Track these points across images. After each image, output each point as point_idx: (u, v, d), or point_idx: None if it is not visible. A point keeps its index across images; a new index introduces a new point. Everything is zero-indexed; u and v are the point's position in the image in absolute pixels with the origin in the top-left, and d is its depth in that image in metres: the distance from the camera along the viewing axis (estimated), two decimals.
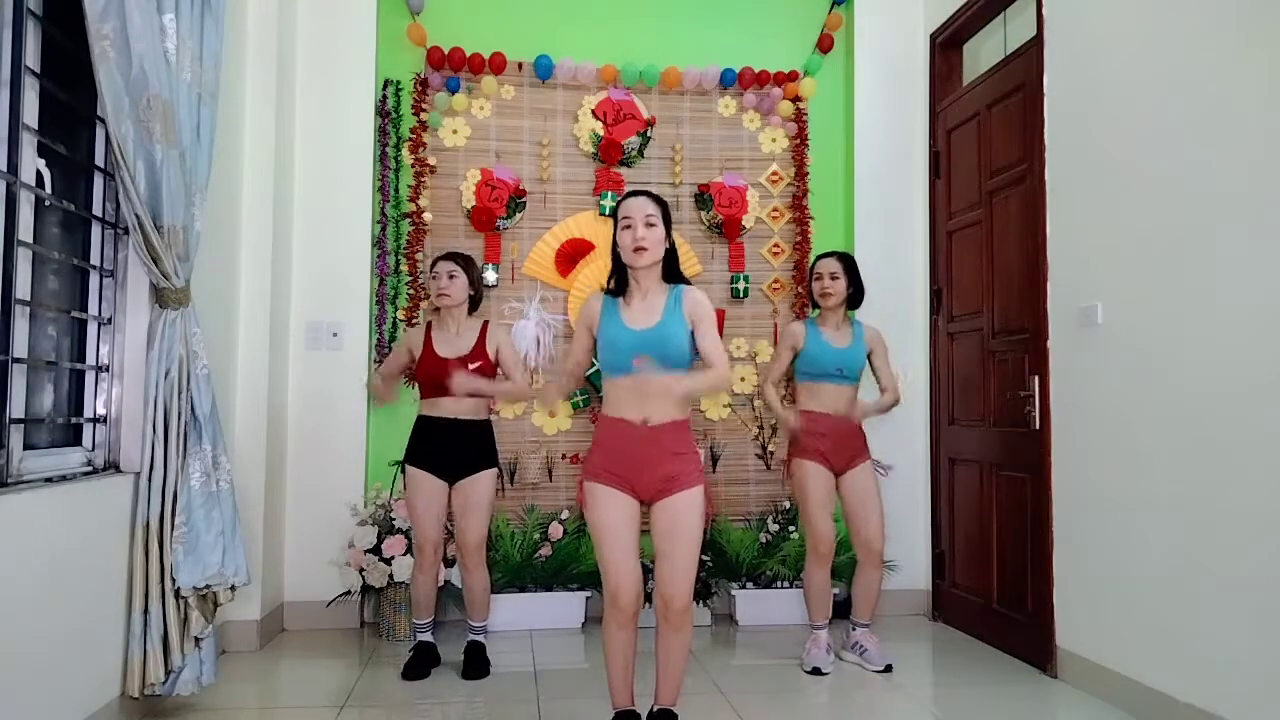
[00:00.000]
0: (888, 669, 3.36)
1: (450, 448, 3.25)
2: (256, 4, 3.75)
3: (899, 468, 4.12)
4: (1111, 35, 3.08)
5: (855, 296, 3.47)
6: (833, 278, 3.42)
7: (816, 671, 3.35)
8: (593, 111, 4.32)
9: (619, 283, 2.51)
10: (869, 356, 3.48)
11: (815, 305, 3.52)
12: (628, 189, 4.22)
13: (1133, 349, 2.93)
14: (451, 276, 3.28)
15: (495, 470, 3.35)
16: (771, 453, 4.35)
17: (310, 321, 4.06)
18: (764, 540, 4.13)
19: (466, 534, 3.28)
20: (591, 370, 4.09)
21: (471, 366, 3.23)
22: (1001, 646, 3.66)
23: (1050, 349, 3.36)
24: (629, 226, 2.42)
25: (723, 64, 4.38)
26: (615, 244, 2.50)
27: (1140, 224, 2.91)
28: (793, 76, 4.45)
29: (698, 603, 3.98)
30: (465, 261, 3.36)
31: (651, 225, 2.42)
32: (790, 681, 3.29)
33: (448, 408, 3.26)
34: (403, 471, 3.35)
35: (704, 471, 2.48)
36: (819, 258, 3.53)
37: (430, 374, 3.25)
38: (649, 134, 4.35)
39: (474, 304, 3.38)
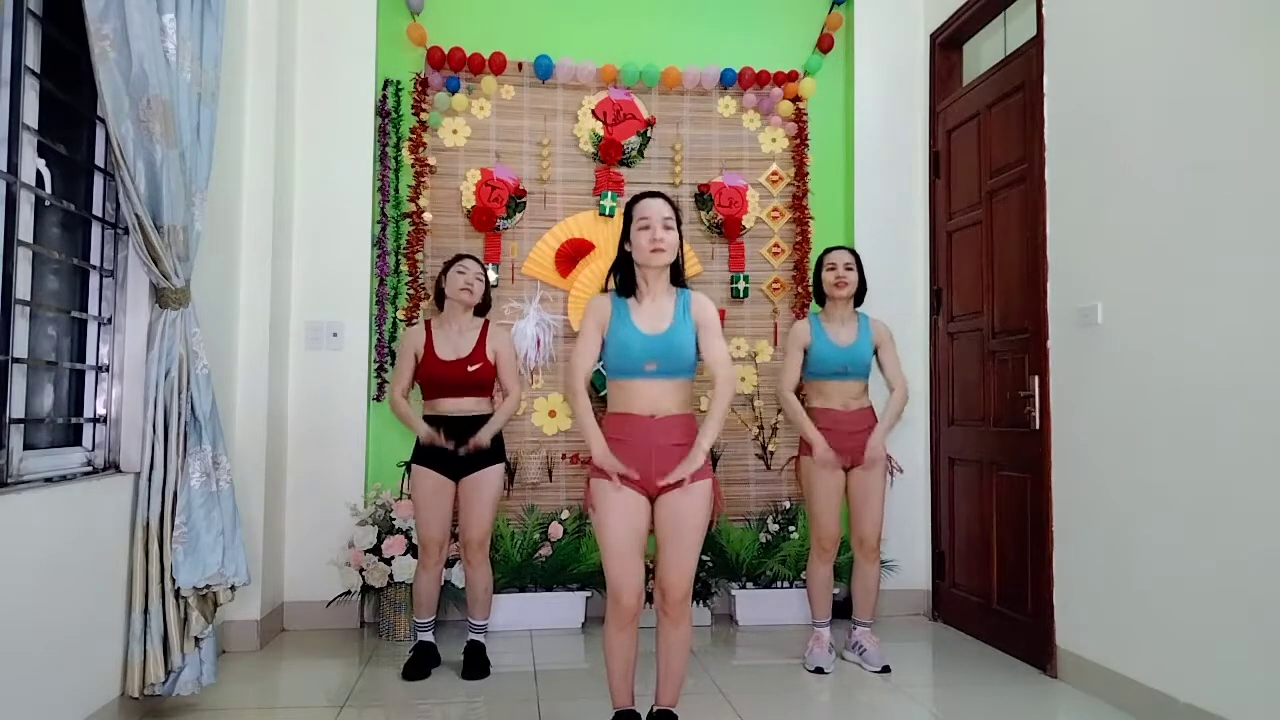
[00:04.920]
0: (885, 670, 3.36)
1: (456, 452, 3.25)
2: (256, 4, 3.75)
3: (903, 472, 4.12)
4: (1111, 35, 3.08)
5: (860, 292, 3.49)
6: (847, 268, 3.43)
7: (819, 671, 3.36)
8: (593, 111, 4.31)
9: (626, 283, 2.51)
10: (876, 351, 3.48)
11: (819, 299, 3.52)
12: (628, 189, 4.24)
13: (1133, 349, 2.93)
14: (478, 278, 3.36)
15: (502, 466, 3.36)
16: (771, 453, 4.35)
17: (310, 321, 4.06)
18: (764, 540, 4.13)
19: (470, 529, 3.29)
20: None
21: (471, 368, 3.28)
22: (1001, 646, 3.66)
23: (1050, 349, 3.36)
24: (647, 227, 2.42)
25: (723, 64, 4.38)
26: (623, 243, 2.50)
27: (1140, 224, 2.91)
28: (793, 76, 4.45)
29: (698, 602, 3.98)
30: (485, 267, 3.45)
31: (669, 228, 2.43)
32: (791, 681, 3.29)
33: (451, 406, 3.28)
34: (408, 471, 3.36)
35: (711, 466, 2.49)
36: (828, 250, 3.52)
37: (431, 377, 3.28)
38: (649, 134, 4.35)
39: (482, 309, 3.42)
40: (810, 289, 3.61)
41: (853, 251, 3.51)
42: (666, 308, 2.47)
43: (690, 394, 2.50)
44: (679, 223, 2.49)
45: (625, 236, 2.50)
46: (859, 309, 3.52)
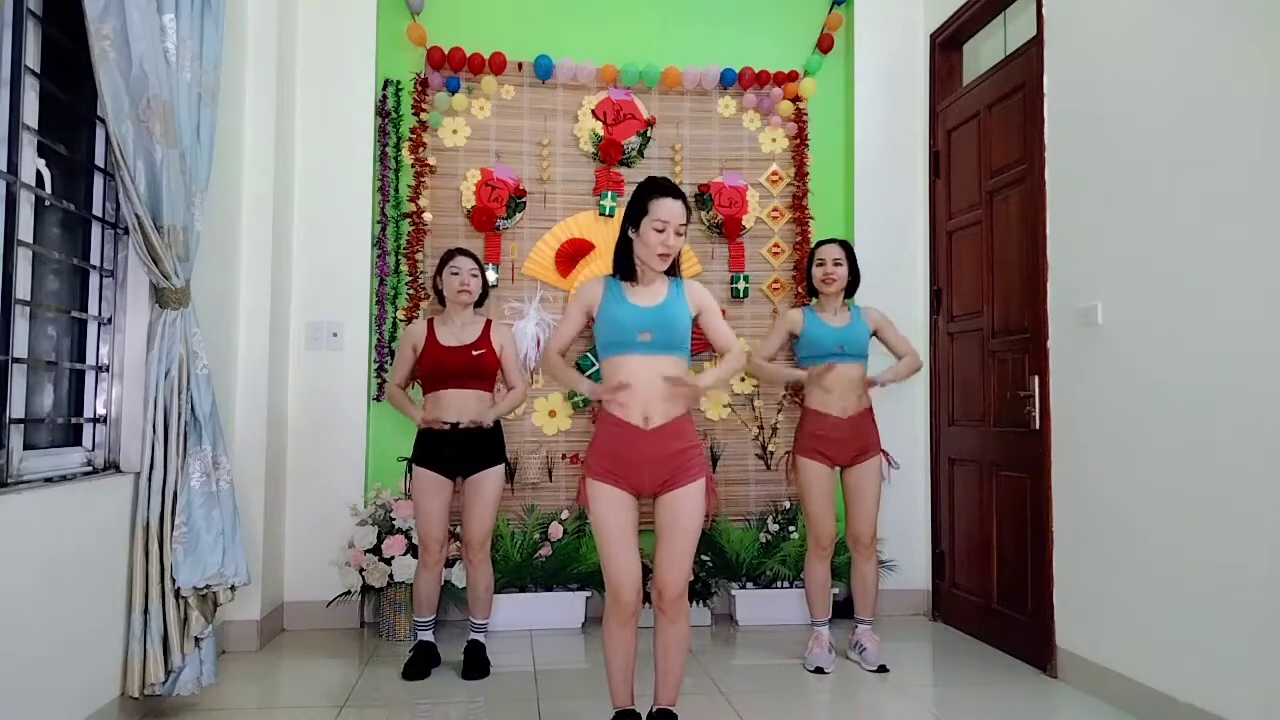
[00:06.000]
0: (881, 670, 3.36)
1: (458, 447, 3.26)
2: (256, 4, 3.75)
3: (899, 468, 4.13)
4: (1111, 35, 3.08)
5: (853, 284, 3.51)
6: (835, 263, 3.44)
7: (819, 671, 3.36)
8: (593, 111, 4.31)
9: (624, 268, 2.50)
10: (877, 334, 3.52)
11: (813, 293, 3.53)
12: (628, 189, 4.24)
13: (1133, 349, 2.93)
14: (474, 275, 3.35)
15: (503, 466, 3.37)
16: (771, 453, 4.35)
17: (310, 321, 4.06)
18: (764, 540, 4.13)
19: (472, 529, 3.30)
20: (593, 370, 4.11)
21: (476, 353, 3.30)
22: (1001, 646, 3.66)
23: (1050, 349, 3.36)
24: (662, 230, 2.40)
25: (723, 64, 4.38)
26: (626, 229, 2.48)
27: (1140, 224, 2.91)
28: (793, 76, 4.45)
29: (698, 603, 3.98)
30: (478, 259, 3.43)
31: (680, 235, 2.43)
32: (791, 681, 3.29)
33: (453, 407, 3.28)
34: (409, 470, 3.36)
35: (707, 463, 2.49)
36: (819, 244, 3.55)
37: (434, 363, 3.28)
38: (649, 134, 4.35)
39: (481, 301, 3.43)
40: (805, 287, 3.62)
41: (844, 244, 3.51)
42: (660, 290, 2.49)
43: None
44: (687, 222, 2.48)
45: (633, 222, 2.46)
46: (851, 300, 3.54)
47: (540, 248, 4.28)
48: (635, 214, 2.45)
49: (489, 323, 3.41)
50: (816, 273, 3.47)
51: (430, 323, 3.38)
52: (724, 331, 2.56)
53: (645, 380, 2.38)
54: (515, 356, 3.44)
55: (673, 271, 2.54)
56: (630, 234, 2.47)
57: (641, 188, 2.48)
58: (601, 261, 4.22)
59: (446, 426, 3.24)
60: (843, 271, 3.44)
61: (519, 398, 3.42)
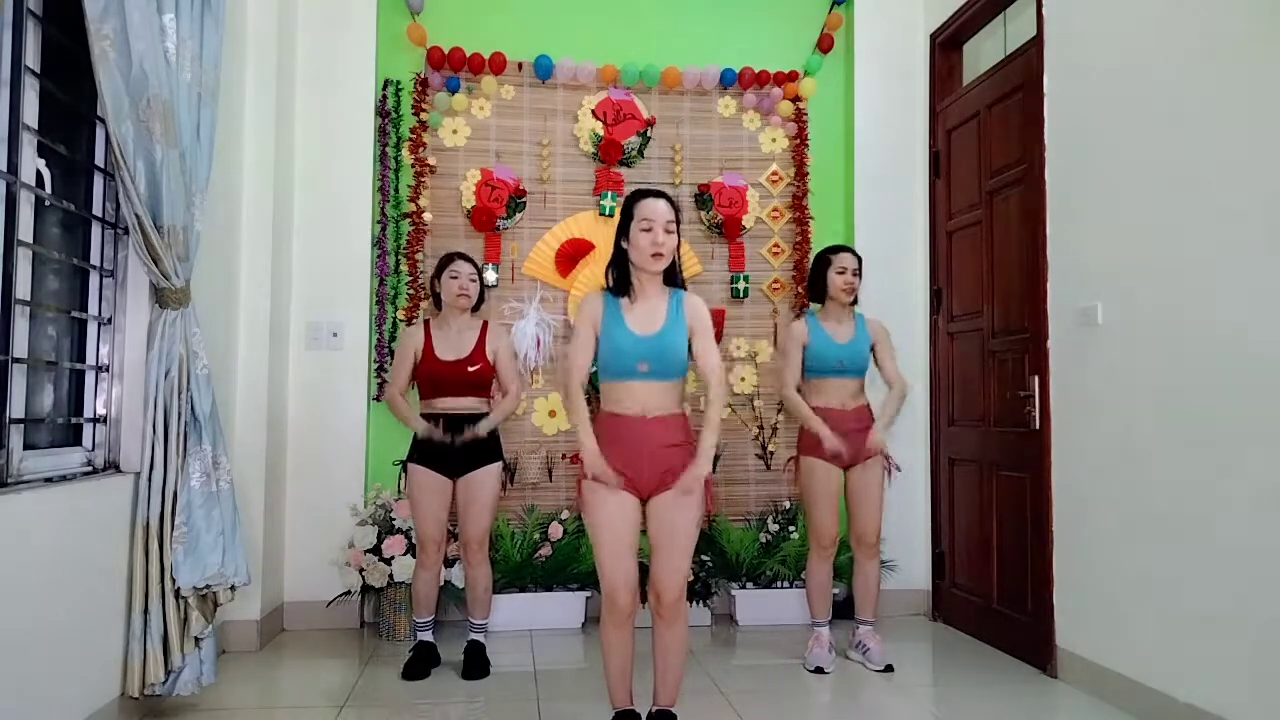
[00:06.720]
0: (888, 669, 3.36)
1: (454, 445, 3.26)
2: (256, 3, 3.75)
3: (900, 471, 4.12)
4: (1111, 35, 3.08)
5: None
6: (855, 274, 3.44)
7: (819, 671, 3.36)
8: (593, 111, 4.32)
9: (620, 282, 2.50)
10: (872, 349, 3.50)
11: (819, 298, 3.52)
12: (628, 189, 4.24)
13: (1133, 349, 2.93)
14: (472, 279, 3.35)
15: (500, 464, 3.37)
16: (771, 453, 4.35)
17: (310, 321, 4.06)
18: (764, 540, 4.13)
19: (470, 529, 3.30)
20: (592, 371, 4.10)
21: (471, 369, 3.29)
22: (1001, 646, 3.66)
23: (1050, 349, 3.36)
24: (649, 229, 2.40)
25: (723, 64, 4.38)
26: (620, 239, 2.48)
27: (1140, 224, 2.91)
28: (793, 76, 4.45)
29: (698, 603, 3.98)
30: (476, 264, 3.43)
31: (670, 232, 2.42)
32: (791, 681, 3.29)
33: (449, 404, 3.28)
34: (404, 471, 3.36)
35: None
36: (836, 251, 3.50)
37: (431, 376, 3.28)
38: (649, 134, 4.35)
39: (478, 304, 3.42)
40: (807, 287, 3.61)
41: (856, 254, 3.51)
42: (659, 309, 2.46)
43: (682, 393, 2.50)
44: (679, 225, 2.48)
45: (624, 232, 2.47)
46: (854, 307, 3.54)
47: (540, 248, 4.28)
48: (624, 224, 2.47)
49: (485, 326, 3.40)
50: (837, 280, 3.43)
51: (427, 327, 3.37)
52: (710, 357, 2.48)
53: (643, 399, 2.40)
54: (510, 360, 3.42)
55: (674, 282, 2.52)
56: (623, 245, 2.48)
57: (626, 199, 2.51)
58: (602, 262, 4.20)
59: (448, 439, 3.24)
60: (858, 282, 3.45)
61: (512, 405, 3.41)
